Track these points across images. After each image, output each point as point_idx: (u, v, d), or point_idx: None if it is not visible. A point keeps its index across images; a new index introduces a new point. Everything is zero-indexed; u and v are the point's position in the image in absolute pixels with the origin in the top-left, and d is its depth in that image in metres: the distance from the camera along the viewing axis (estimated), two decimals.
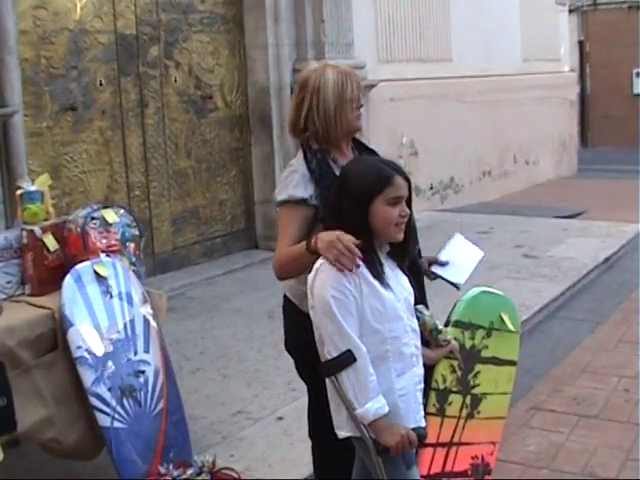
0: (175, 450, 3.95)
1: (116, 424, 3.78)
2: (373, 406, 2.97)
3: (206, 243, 8.93)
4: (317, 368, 3.28)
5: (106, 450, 3.84)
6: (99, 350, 3.86)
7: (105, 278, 4.03)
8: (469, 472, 3.84)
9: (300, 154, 3.60)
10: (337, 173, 3.49)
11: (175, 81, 8.51)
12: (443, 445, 3.70)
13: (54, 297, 4.00)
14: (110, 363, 3.87)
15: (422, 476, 3.48)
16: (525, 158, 15.24)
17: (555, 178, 16.51)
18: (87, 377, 3.79)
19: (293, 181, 3.51)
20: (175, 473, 3.82)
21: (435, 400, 3.61)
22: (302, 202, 3.47)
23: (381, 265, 3.17)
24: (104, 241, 4.19)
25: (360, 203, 3.14)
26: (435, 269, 3.94)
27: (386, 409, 2.99)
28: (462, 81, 12.98)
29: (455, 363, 3.69)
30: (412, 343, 3.20)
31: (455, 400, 3.75)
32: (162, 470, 3.82)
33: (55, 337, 3.91)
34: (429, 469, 3.64)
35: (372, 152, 3.76)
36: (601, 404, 5.63)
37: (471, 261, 4.10)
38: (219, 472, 3.95)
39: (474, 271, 4.07)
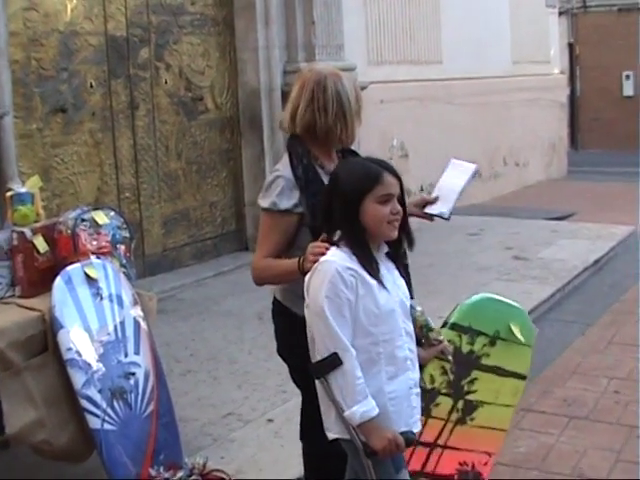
0: (165, 452, 3.95)
1: (106, 426, 3.78)
2: (360, 409, 2.97)
3: (196, 245, 8.92)
4: (307, 369, 3.29)
5: (96, 452, 3.84)
6: (89, 352, 3.86)
7: (95, 280, 4.03)
8: (455, 477, 3.82)
9: (286, 158, 3.59)
10: (324, 179, 3.50)
11: (165, 83, 8.50)
12: (425, 445, 3.69)
13: (44, 299, 3.99)
14: (100, 365, 3.86)
15: None
16: (515, 160, 15.26)
17: (545, 180, 16.53)
18: (77, 379, 3.79)
19: (278, 188, 3.50)
20: (165, 475, 3.81)
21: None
22: (285, 212, 3.48)
23: (377, 265, 3.16)
24: (94, 243, 4.19)
25: (350, 203, 3.14)
26: (427, 209, 3.92)
27: (374, 412, 2.99)
28: (452, 83, 13.00)
29: (447, 365, 3.69)
30: (406, 346, 3.19)
31: (444, 402, 3.74)
32: (152, 472, 3.82)
33: (45, 339, 3.90)
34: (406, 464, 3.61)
35: (357, 155, 3.76)
36: (591, 405, 5.65)
37: (458, 186, 3.95)
38: (210, 474, 3.94)
39: (461, 195, 3.96)
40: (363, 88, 10.17)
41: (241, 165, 9.37)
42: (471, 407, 3.80)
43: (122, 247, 4.35)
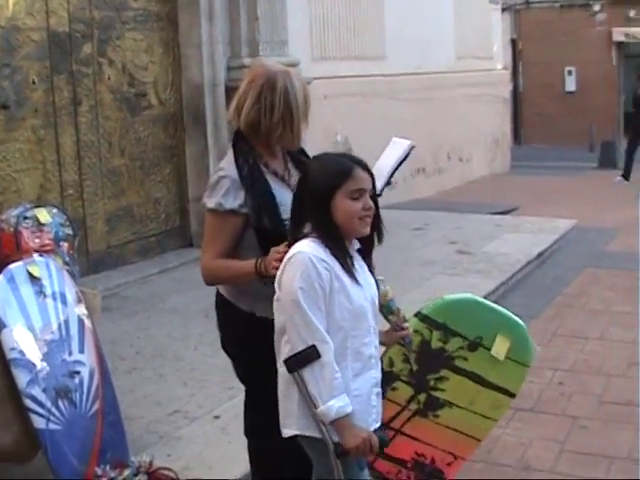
0: (112, 451, 3.92)
1: (51, 426, 3.74)
2: (336, 404, 2.92)
3: (141, 242, 8.86)
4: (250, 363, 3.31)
5: (42, 452, 3.80)
6: (33, 351, 3.82)
7: (38, 278, 3.99)
8: (409, 464, 3.82)
9: (231, 155, 3.56)
10: (268, 179, 3.50)
11: (109, 79, 8.42)
12: None
13: None
14: (45, 364, 3.83)
15: None
16: (459, 155, 15.37)
17: (488, 175, 16.67)
18: (21, 379, 3.75)
19: (223, 188, 3.48)
20: (112, 474, 3.78)
21: None
22: (231, 212, 3.46)
23: (351, 259, 3.13)
24: (37, 241, 4.15)
25: (321, 198, 3.10)
26: None
27: (349, 409, 2.95)
28: (396, 78, 13.04)
29: (411, 355, 3.66)
30: (373, 344, 3.16)
31: (402, 389, 3.71)
32: (99, 471, 3.79)
33: None
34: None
35: (305, 155, 3.74)
36: (536, 397, 5.70)
37: (392, 162, 3.98)
38: (156, 472, 3.92)
39: (396, 171, 4.01)
40: (307, 83, 10.21)
41: (185, 161, 9.32)
42: (436, 404, 3.75)
43: (65, 245, 4.31)
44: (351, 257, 3.13)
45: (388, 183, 3.92)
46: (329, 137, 11.19)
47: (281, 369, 3.12)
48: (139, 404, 5.26)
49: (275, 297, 3.10)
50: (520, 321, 3.85)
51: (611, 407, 5.39)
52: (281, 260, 3.13)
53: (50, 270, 4.06)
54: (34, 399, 3.74)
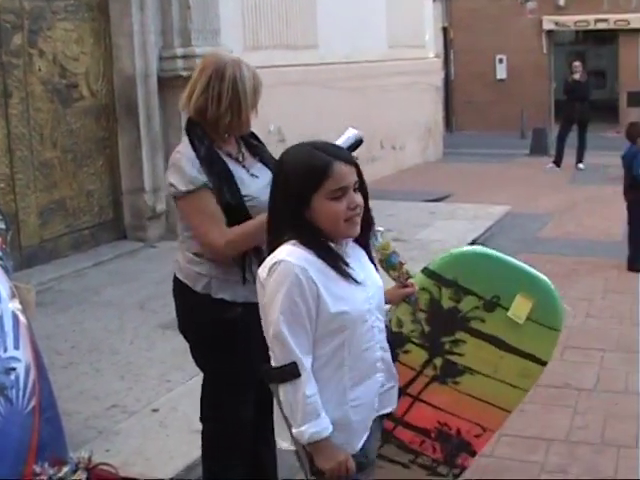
0: (50, 448, 3.86)
1: None
2: (309, 430, 2.71)
3: (74, 235, 8.77)
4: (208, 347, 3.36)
5: None
6: None
7: None
8: (432, 434, 3.60)
9: (186, 141, 3.58)
10: (225, 159, 3.55)
11: (39, 70, 8.31)
12: None
13: None
14: None
15: None
16: (392, 144, 15.43)
17: (422, 163, 16.77)
18: None
19: (187, 169, 3.49)
20: (51, 472, 3.73)
21: None
22: (205, 187, 3.47)
23: (343, 261, 2.82)
24: None
25: (297, 203, 2.76)
26: None
27: (326, 433, 2.73)
28: (329, 67, 13.06)
29: (421, 315, 3.40)
30: (378, 346, 2.91)
31: (415, 352, 3.45)
32: (37, 469, 3.74)
33: None
34: None
35: (256, 138, 3.81)
36: None
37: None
38: (96, 468, 3.88)
39: None
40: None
41: (117, 153, 9.24)
42: (454, 370, 3.47)
43: None
44: (342, 258, 2.82)
45: None
46: (262, 127, 11.06)
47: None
48: (76, 399, 5.22)
49: (259, 295, 2.85)
50: (544, 278, 3.49)
51: (547, 390, 5.45)
52: None
53: None
54: None
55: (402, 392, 3.26)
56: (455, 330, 3.44)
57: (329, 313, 2.73)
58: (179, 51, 9.13)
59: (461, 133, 25.64)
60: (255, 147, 3.76)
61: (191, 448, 4.48)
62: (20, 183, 8.10)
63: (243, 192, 3.52)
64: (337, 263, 2.78)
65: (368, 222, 2.94)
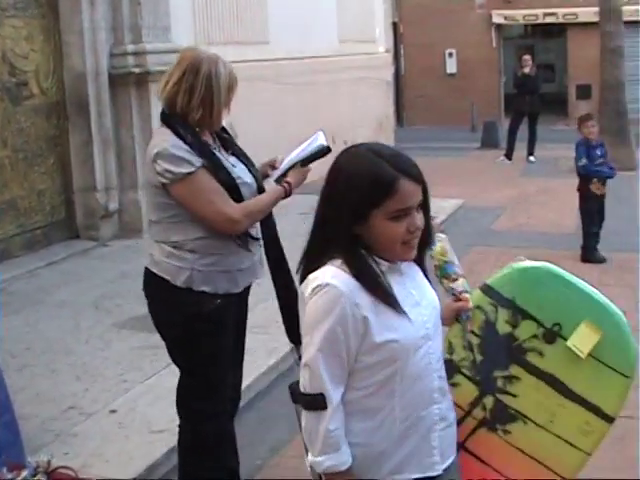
0: (7, 452, 3.82)
1: None
2: (326, 462, 2.51)
3: (26, 235, 8.66)
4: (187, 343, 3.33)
5: None
6: None
7: None
8: None
9: (165, 131, 3.56)
10: (208, 142, 3.61)
11: None
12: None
13: None
14: None
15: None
16: (344, 139, 15.33)
17: None
18: None
19: (180, 154, 3.47)
20: (9, 476, 3.68)
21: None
22: (203, 168, 3.49)
23: (392, 296, 2.51)
24: None
25: (349, 218, 2.48)
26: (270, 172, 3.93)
27: (342, 467, 2.50)
28: (280, 63, 13.02)
29: (473, 339, 2.94)
30: (436, 375, 2.61)
31: (464, 387, 2.96)
32: None
33: None
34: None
35: (226, 132, 3.83)
36: None
37: (295, 155, 3.88)
38: (55, 472, 3.84)
39: (295, 164, 3.85)
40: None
41: (69, 151, 9.14)
42: (506, 414, 2.94)
43: None
44: (389, 291, 2.51)
45: (284, 175, 3.89)
46: None
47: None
48: (32, 402, 5.15)
49: (300, 305, 2.60)
50: (618, 311, 2.91)
51: None
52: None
53: None
54: None
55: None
56: (510, 363, 2.93)
57: (375, 343, 2.47)
58: (130, 48, 9.05)
59: (412, 128, 25.73)
60: (226, 140, 3.79)
61: (151, 449, 4.46)
62: None
63: (233, 175, 3.58)
64: (385, 296, 2.49)
65: (426, 242, 2.63)
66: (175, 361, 3.78)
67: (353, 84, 15.51)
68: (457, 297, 2.91)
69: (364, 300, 2.45)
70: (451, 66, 27.20)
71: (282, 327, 4.06)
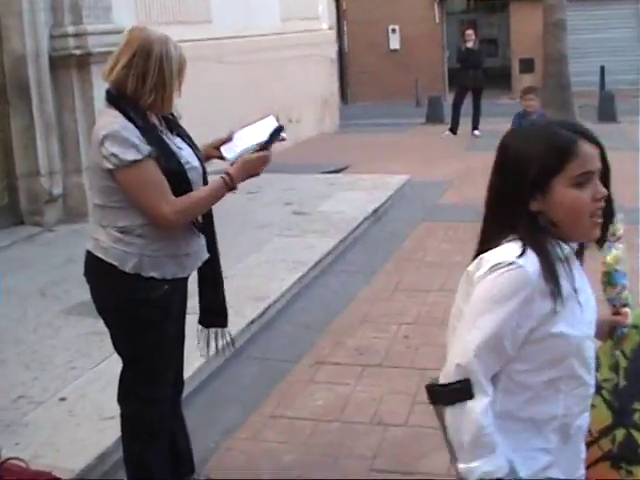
0: None
1: None
2: (482, 467, 2.18)
3: None
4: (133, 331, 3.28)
5: None
6: None
7: None
8: None
9: (113, 113, 3.45)
10: (157, 124, 3.52)
11: None
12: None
13: None
14: None
15: None
16: (288, 116, 15.36)
17: (318, 134, 16.78)
18: None
19: (130, 138, 3.38)
20: None
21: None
22: (150, 157, 3.40)
23: (572, 276, 2.25)
24: None
25: (528, 192, 2.24)
26: (221, 148, 3.87)
27: (501, 474, 2.19)
28: (222, 42, 12.95)
29: (622, 361, 2.67)
30: (592, 382, 2.36)
31: (599, 411, 2.66)
32: None
33: None
34: None
35: (172, 114, 3.73)
36: (383, 352, 5.77)
37: (254, 140, 3.78)
38: (6, 463, 3.78)
39: (253, 150, 3.73)
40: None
41: (10, 136, 8.97)
42: (633, 453, 2.64)
43: None
44: (572, 272, 2.26)
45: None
46: None
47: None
48: None
49: (460, 290, 2.36)
50: None
51: None
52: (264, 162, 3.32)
53: None
54: None
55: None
56: None
57: (549, 333, 2.21)
58: (70, 29, 8.90)
59: (356, 104, 25.74)
60: (170, 121, 3.70)
61: (102, 437, 4.41)
62: None
63: (182, 160, 3.51)
64: (569, 284, 2.24)
65: (606, 223, 2.33)
66: (118, 348, 3.72)
67: (297, 62, 15.47)
68: (616, 310, 2.66)
69: (546, 287, 2.19)
70: (394, 42, 27.20)
71: (230, 308, 4.04)
